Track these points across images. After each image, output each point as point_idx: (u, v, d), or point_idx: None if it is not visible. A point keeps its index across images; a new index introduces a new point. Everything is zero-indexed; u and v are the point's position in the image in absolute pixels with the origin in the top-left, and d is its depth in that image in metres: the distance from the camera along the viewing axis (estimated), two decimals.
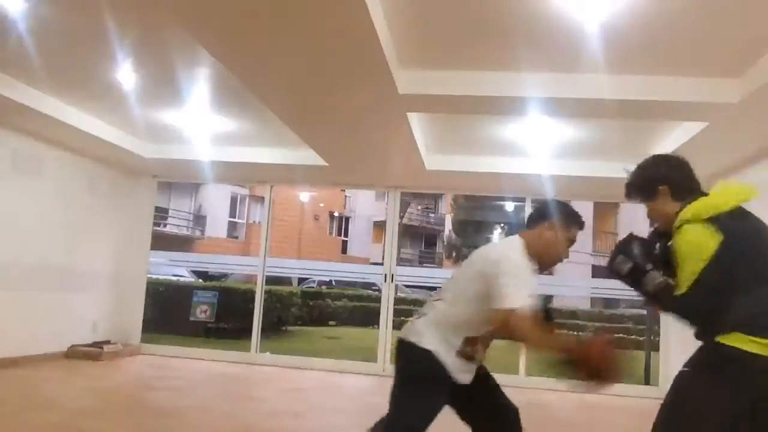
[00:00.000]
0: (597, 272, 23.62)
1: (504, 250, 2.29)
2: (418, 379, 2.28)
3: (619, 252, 2.11)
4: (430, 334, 2.29)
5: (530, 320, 2.08)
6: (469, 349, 2.30)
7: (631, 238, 2.15)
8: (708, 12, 3.26)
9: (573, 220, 2.40)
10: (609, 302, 18.11)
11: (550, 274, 24.32)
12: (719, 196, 2.05)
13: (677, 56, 3.82)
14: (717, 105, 4.11)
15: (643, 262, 2.07)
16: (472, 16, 3.51)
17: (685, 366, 2.02)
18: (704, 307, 1.96)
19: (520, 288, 2.12)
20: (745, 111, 4.15)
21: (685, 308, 2.03)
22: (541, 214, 2.43)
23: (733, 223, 1.97)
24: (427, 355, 2.25)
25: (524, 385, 7.01)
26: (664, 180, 2.13)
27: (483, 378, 2.43)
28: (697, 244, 1.95)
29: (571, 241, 2.38)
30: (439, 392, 2.28)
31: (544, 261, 2.36)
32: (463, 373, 2.32)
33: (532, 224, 2.42)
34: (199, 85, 4.95)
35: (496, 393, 2.46)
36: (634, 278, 2.11)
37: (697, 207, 2.01)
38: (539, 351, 2.19)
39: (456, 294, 2.36)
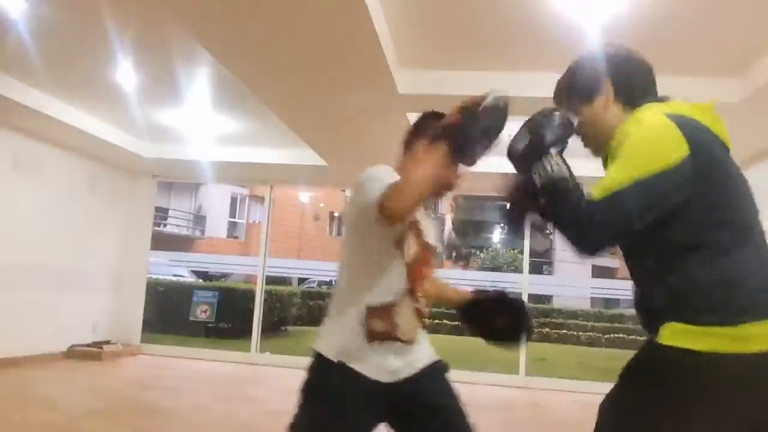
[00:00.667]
0: (597, 272, 23.65)
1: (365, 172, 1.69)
2: (316, 394, 1.70)
3: (524, 125, 1.41)
4: (327, 330, 1.72)
5: (395, 188, 1.49)
6: (379, 323, 1.65)
7: (550, 112, 1.41)
8: (708, 12, 3.26)
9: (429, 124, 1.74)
10: (609, 302, 18.10)
11: (550, 274, 24.06)
12: (690, 105, 1.47)
13: (677, 56, 3.82)
14: (717, 105, 4.11)
15: (547, 141, 1.36)
16: (472, 17, 3.51)
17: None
18: (623, 236, 1.31)
19: (380, 178, 1.59)
20: (745, 111, 4.15)
21: (589, 223, 1.27)
22: (413, 130, 1.85)
23: (706, 137, 1.35)
24: (322, 363, 1.68)
25: (524, 385, 7.02)
26: (610, 72, 1.47)
27: (437, 407, 1.73)
28: (654, 140, 1.29)
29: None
30: (346, 409, 1.66)
31: (439, 188, 1.75)
32: (382, 367, 1.67)
33: (405, 145, 1.85)
34: (199, 85, 4.96)
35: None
36: (526, 163, 1.38)
37: (656, 103, 1.44)
38: (418, 190, 1.49)
39: (343, 257, 1.76)
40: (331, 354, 1.66)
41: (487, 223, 25.99)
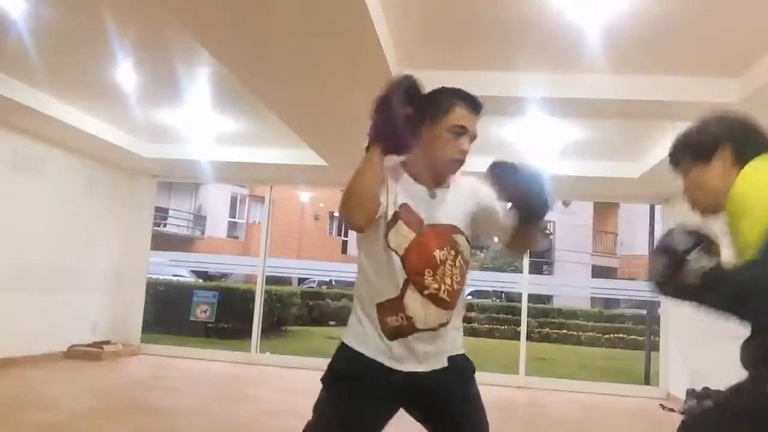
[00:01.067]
0: (597, 272, 23.65)
1: None
2: (333, 378, 1.73)
3: (657, 251, 1.48)
4: (350, 323, 1.77)
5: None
6: (392, 319, 1.65)
7: (674, 230, 1.48)
8: (708, 12, 3.26)
9: (443, 102, 1.76)
10: (609, 302, 18.11)
11: (550, 274, 24.07)
12: None
13: (677, 56, 3.82)
14: (717, 105, 4.12)
15: (684, 248, 1.41)
16: (473, 16, 3.51)
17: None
18: None
19: None
20: (745, 111, 4.14)
21: (754, 281, 1.27)
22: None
23: None
24: (341, 350, 1.74)
25: (524, 385, 7.02)
26: (730, 137, 1.50)
27: (451, 406, 1.74)
28: (761, 185, 1.34)
29: (456, 127, 1.74)
30: (359, 393, 1.68)
31: (438, 168, 1.77)
32: (397, 358, 1.67)
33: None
34: (199, 85, 4.95)
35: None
36: (674, 277, 1.44)
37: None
38: (362, 180, 1.66)
39: (358, 256, 1.81)
40: (350, 342, 1.71)
41: None
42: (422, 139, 1.75)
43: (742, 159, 1.45)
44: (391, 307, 1.66)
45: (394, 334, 1.66)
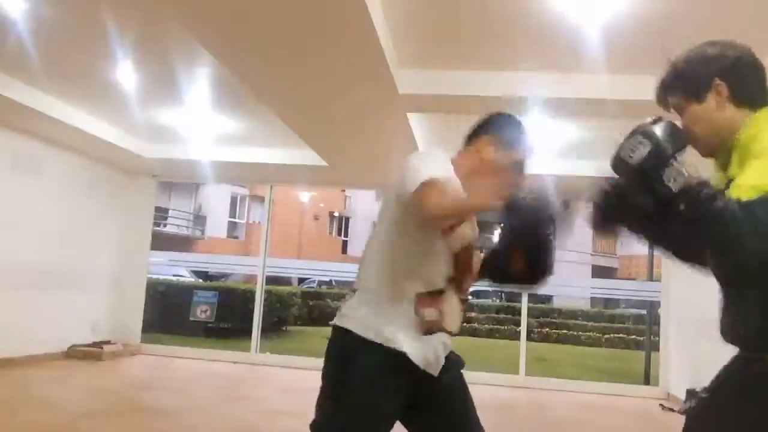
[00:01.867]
0: (597, 272, 23.66)
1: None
2: (347, 370, 1.62)
3: (635, 133, 1.29)
4: (360, 311, 1.66)
5: (438, 191, 1.51)
6: (430, 312, 1.59)
7: (659, 119, 1.30)
8: (708, 12, 3.26)
9: (514, 134, 1.79)
10: (609, 302, 18.10)
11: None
12: None
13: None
14: None
15: (671, 147, 1.24)
16: (472, 16, 3.51)
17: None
18: None
19: (425, 165, 1.58)
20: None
21: (745, 222, 1.10)
22: (481, 126, 1.82)
23: None
24: (353, 340, 1.62)
25: (524, 385, 7.02)
26: (724, 73, 1.40)
27: (445, 395, 1.68)
28: None
29: (517, 161, 1.78)
30: (377, 388, 1.58)
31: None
32: (422, 353, 1.59)
33: (469, 140, 1.83)
34: (199, 85, 4.96)
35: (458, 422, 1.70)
36: (648, 173, 1.25)
37: None
38: (461, 215, 1.64)
39: (380, 237, 1.71)
40: (367, 334, 1.59)
41: (487, 223, 25.99)
42: (484, 149, 1.79)
43: (738, 97, 1.38)
44: (431, 298, 1.60)
45: (426, 329, 1.58)
